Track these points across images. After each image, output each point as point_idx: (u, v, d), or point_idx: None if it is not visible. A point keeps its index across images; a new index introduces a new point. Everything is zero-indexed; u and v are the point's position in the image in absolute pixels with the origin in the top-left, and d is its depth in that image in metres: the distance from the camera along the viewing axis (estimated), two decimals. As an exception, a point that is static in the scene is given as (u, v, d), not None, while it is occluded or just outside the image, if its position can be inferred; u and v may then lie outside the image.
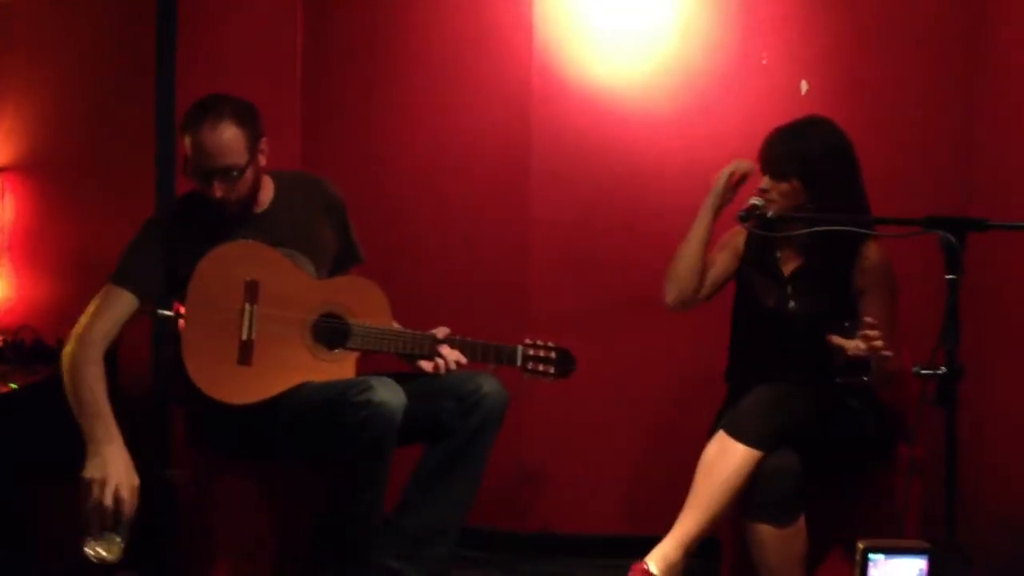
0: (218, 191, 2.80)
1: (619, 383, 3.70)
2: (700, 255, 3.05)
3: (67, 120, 3.79)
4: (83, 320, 2.78)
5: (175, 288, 2.84)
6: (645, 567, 2.71)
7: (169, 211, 2.99)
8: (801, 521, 2.74)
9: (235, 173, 2.81)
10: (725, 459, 2.74)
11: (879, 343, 2.50)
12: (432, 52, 3.78)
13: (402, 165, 3.82)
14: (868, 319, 2.54)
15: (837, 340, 2.53)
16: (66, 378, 2.73)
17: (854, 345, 2.51)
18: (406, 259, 3.76)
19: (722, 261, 3.13)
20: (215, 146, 2.77)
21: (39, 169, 3.78)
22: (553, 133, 3.71)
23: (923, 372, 2.27)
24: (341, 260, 3.12)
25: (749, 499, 2.74)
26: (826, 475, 2.84)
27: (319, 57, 3.81)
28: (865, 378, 2.51)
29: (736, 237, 3.15)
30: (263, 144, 2.89)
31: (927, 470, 2.94)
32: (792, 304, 2.99)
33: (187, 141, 2.79)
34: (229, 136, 2.78)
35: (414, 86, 3.79)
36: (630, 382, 3.71)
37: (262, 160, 2.91)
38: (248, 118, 2.83)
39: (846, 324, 2.54)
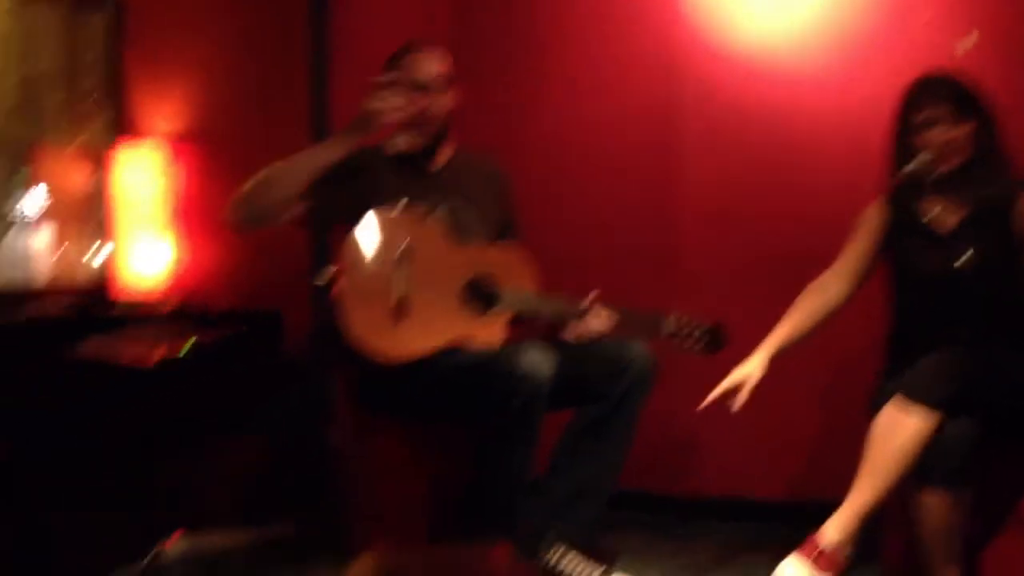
0: (424, 101, 2.96)
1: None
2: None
3: (230, 93, 3.96)
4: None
5: (338, 218, 2.95)
6: (823, 537, 2.62)
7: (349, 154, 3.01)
8: (971, 490, 2.66)
9: (444, 83, 3.00)
10: (902, 425, 2.65)
11: None
12: (579, 12, 3.78)
13: (548, 129, 3.84)
14: None
15: None
16: (243, 203, 2.83)
17: None
18: (553, 225, 3.78)
19: (862, 247, 3.03)
20: (429, 57, 3.01)
21: (205, 139, 3.96)
22: (704, 94, 3.66)
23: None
24: (501, 234, 3.18)
25: (923, 464, 2.65)
26: (1003, 441, 2.75)
27: (464, 23, 3.86)
28: None
29: (868, 216, 3.05)
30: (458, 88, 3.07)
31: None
32: (957, 263, 2.88)
33: (401, 63, 2.99)
34: (440, 53, 3.03)
35: (561, 46, 3.80)
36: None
37: (456, 100, 3.06)
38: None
39: None
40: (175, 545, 3.23)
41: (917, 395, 2.65)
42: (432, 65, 3.02)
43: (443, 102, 3.04)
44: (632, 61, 3.73)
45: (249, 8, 3.91)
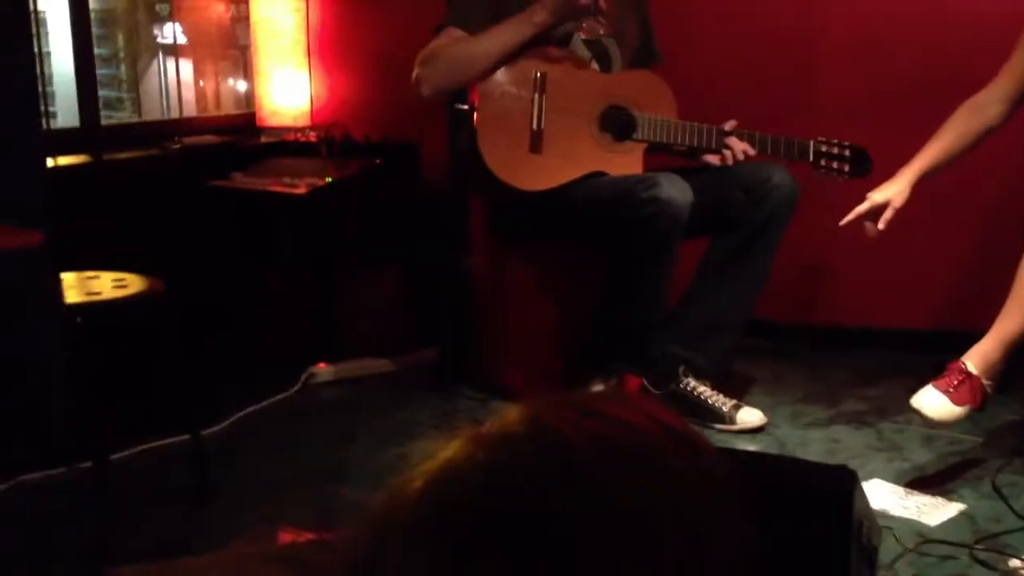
0: None
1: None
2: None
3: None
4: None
5: None
6: (963, 366, 2.56)
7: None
8: None
9: None
10: None
11: None
12: None
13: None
14: None
15: None
16: (432, 81, 2.90)
17: None
18: (692, 54, 3.70)
19: None
20: None
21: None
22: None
23: None
24: (641, 55, 3.12)
25: None
26: None
27: None
28: None
29: None
30: None
31: None
32: None
33: None
34: None
35: None
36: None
37: None
38: None
39: None
40: (322, 373, 3.38)
41: None
42: None
43: None
44: None
45: None
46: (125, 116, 4.11)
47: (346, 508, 2.63)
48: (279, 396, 3.22)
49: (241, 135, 3.88)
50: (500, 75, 2.91)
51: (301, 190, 3.36)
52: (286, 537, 2.50)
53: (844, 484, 2.01)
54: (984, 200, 3.49)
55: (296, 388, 3.28)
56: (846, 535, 1.98)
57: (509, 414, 0.66)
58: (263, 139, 3.89)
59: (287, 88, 3.91)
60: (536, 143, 2.90)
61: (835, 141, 2.97)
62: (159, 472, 2.76)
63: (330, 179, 3.42)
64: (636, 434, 0.66)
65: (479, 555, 0.59)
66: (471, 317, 3.37)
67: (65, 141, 3.36)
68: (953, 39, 3.29)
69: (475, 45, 2.89)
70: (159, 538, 2.44)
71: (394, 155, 3.64)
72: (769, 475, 2.11)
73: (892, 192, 2.71)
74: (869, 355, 3.49)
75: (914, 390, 2.62)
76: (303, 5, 3.91)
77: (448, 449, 0.64)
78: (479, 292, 3.35)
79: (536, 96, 2.90)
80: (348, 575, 0.63)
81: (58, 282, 2.46)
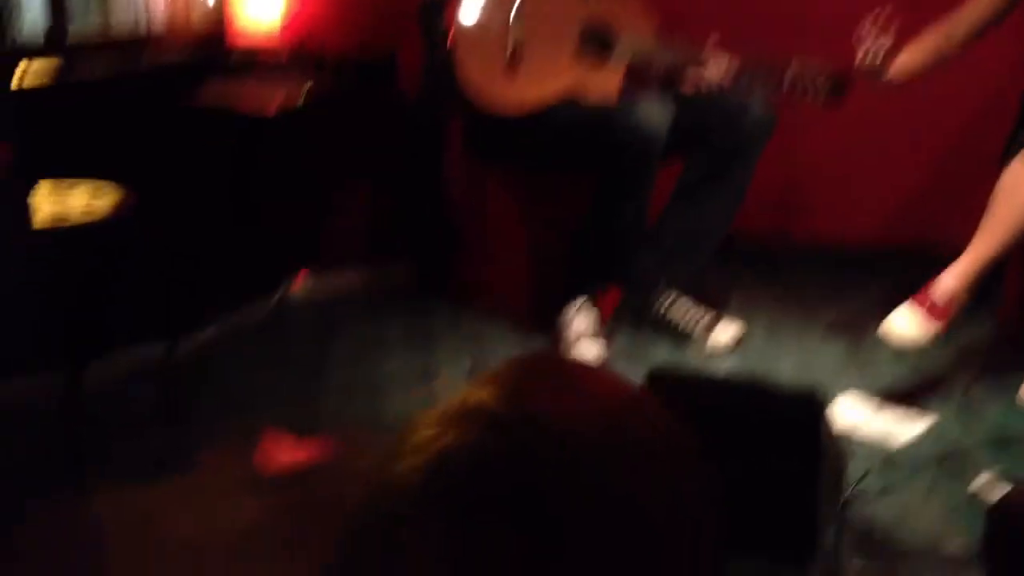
0: None
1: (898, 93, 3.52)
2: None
3: None
4: None
5: None
6: (939, 287, 2.59)
7: None
8: None
9: None
10: None
11: None
12: None
13: None
14: None
15: None
16: None
17: None
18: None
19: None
20: None
21: None
22: None
23: None
24: None
25: None
26: None
27: None
28: None
29: None
30: None
31: None
32: None
33: None
34: None
35: None
36: (911, 93, 3.52)
37: None
38: None
39: None
40: (300, 285, 3.38)
41: None
42: None
43: None
44: None
45: None
46: (93, 29, 4.03)
47: (324, 421, 2.67)
48: (255, 310, 3.23)
49: (212, 51, 3.82)
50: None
51: (274, 106, 3.32)
52: (264, 446, 2.53)
53: (812, 411, 2.07)
54: (962, 116, 3.51)
55: (273, 303, 3.29)
56: (813, 462, 2.04)
57: (488, 388, 0.69)
58: (236, 55, 3.83)
59: (261, 1, 3.84)
60: (515, 63, 2.88)
61: (815, 65, 2.93)
62: (132, 386, 2.78)
63: (304, 94, 3.38)
64: (613, 410, 0.70)
65: (484, 536, 0.63)
66: (449, 234, 3.37)
67: (33, 53, 3.30)
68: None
69: None
70: (132, 451, 2.46)
71: (370, 69, 3.60)
72: (739, 404, 2.17)
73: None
74: (843, 270, 3.53)
75: (887, 304, 2.67)
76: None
77: (436, 428, 0.67)
78: (457, 209, 3.35)
79: (513, 15, 2.87)
80: (350, 568, 0.67)
81: (27, 194, 2.44)
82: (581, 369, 0.75)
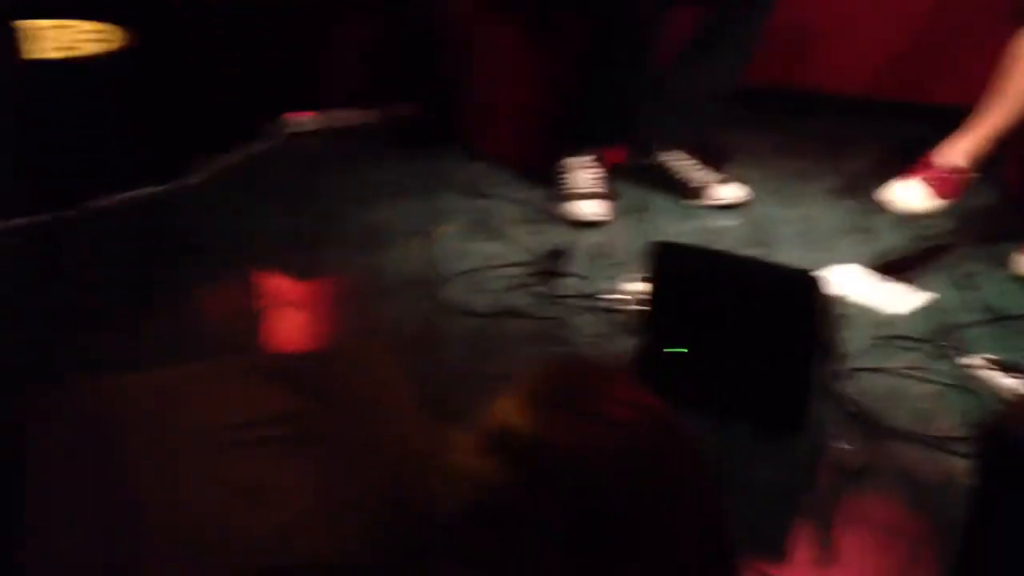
0: None
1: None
2: None
3: None
4: None
5: None
6: (941, 163, 2.57)
7: None
8: None
9: None
10: None
11: None
12: None
13: None
14: None
15: None
16: None
17: None
18: None
19: None
20: None
21: None
22: None
23: None
24: None
25: None
26: None
27: None
28: None
29: None
30: None
31: None
32: None
33: None
34: None
35: None
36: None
37: None
38: None
39: None
40: (299, 123, 3.34)
41: None
42: None
43: None
44: None
45: None
46: None
47: (329, 266, 2.68)
48: (254, 147, 3.19)
49: None
50: None
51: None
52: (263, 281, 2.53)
53: (808, 286, 2.09)
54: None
55: (273, 140, 3.25)
56: (808, 336, 2.08)
57: (521, 414, 0.75)
58: None
59: None
60: None
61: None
62: (128, 224, 2.77)
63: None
64: (635, 436, 0.77)
65: (525, 548, 0.71)
66: (451, 80, 3.30)
67: None
68: None
69: None
70: (122, 295, 2.48)
71: None
72: (737, 275, 2.18)
73: None
74: (847, 122, 3.45)
75: (891, 166, 2.61)
76: None
77: (469, 458, 0.74)
78: (458, 54, 3.27)
79: None
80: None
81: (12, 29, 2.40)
82: (607, 384, 0.80)
